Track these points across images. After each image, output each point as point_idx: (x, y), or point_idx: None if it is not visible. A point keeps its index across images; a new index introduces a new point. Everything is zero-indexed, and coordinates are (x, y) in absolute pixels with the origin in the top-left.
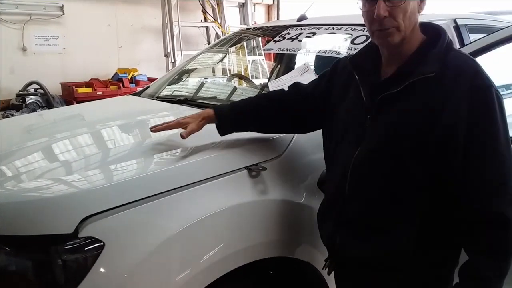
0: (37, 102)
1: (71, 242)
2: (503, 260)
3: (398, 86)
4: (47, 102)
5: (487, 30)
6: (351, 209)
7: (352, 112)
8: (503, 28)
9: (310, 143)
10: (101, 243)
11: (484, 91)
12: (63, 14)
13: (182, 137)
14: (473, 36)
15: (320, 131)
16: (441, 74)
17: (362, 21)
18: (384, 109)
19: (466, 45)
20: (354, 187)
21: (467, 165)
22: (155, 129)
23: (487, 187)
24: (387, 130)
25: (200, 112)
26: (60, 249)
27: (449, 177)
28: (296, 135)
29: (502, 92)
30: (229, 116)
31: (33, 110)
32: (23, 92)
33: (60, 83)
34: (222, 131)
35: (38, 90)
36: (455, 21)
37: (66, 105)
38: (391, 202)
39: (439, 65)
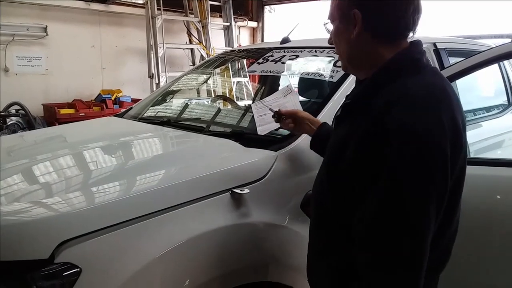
0: (18, 123)
1: (47, 268)
2: None
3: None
4: (28, 123)
5: (466, 54)
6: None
7: None
8: (482, 52)
9: (293, 164)
10: (78, 269)
11: (392, 130)
12: (47, 35)
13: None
14: (452, 60)
15: (305, 151)
16: (360, 103)
17: None
18: (336, 129)
19: (446, 68)
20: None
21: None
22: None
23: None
24: (326, 156)
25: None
26: (35, 275)
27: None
28: (278, 157)
29: (482, 114)
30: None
31: (14, 132)
32: (4, 113)
33: (42, 104)
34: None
35: (19, 111)
36: (435, 44)
37: (48, 126)
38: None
39: (360, 94)
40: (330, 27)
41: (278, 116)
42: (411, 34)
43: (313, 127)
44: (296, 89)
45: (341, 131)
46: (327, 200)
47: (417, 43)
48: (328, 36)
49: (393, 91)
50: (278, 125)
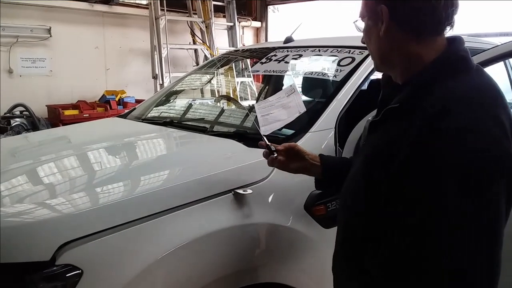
0: (23, 124)
1: (48, 270)
2: None
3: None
4: (33, 124)
5: (472, 52)
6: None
7: None
8: (487, 50)
9: None
10: (79, 271)
11: (439, 138)
12: (51, 36)
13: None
14: None
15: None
16: (406, 107)
17: (347, 43)
18: (370, 135)
19: None
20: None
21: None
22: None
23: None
24: (362, 162)
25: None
26: (36, 277)
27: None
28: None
29: None
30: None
31: (18, 133)
32: (8, 114)
33: (46, 105)
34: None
35: (23, 113)
36: None
37: (52, 127)
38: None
39: (409, 96)
40: (361, 25)
41: (270, 150)
42: (448, 30)
43: (315, 162)
44: (300, 89)
45: (379, 137)
46: (361, 204)
47: (459, 40)
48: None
49: (445, 94)
50: (281, 124)
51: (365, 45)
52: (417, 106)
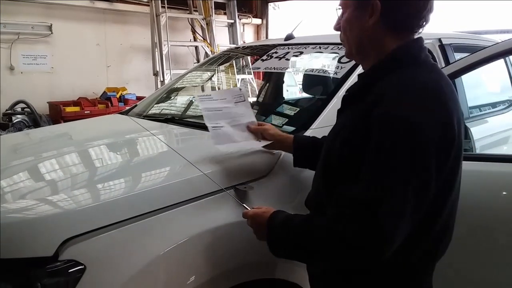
0: (24, 121)
1: (51, 265)
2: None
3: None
4: (34, 121)
5: (472, 49)
6: None
7: None
8: (487, 47)
9: None
10: (82, 266)
11: (376, 119)
12: (52, 33)
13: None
14: (458, 55)
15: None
16: (356, 95)
17: None
18: (336, 120)
19: (451, 63)
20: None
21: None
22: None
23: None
24: (325, 143)
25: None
26: (39, 272)
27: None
28: (283, 153)
29: (488, 110)
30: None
31: (20, 129)
32: (10, 111)
33: (47, 102)
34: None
35: (25, 109)
36: (440, 40)
37: (53, 124)
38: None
39: (359, 85)
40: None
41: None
42: (420, 31)
43: (286, 145)
44: (300, 86)
45: (339, 122)
46: (323, 197)
47: (418, 39)
48: None
49: (386, 85)
50: (238, 148)
51: None
52: (362, 96)
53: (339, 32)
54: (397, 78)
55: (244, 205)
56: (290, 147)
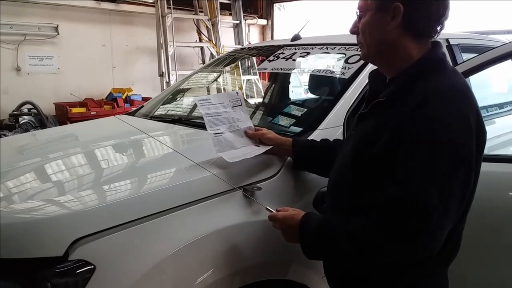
0: (31, 122)
1: (61, 265)
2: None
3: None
4: (41, 122)
5: (480, 50)
6: None
7: None
8: (495, 48)
9: None
10: (92, 266)
11: (420, 120)
12: (58, 34)
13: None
14: (466, 56)
15: None
16: (394, 100)
17: (355, 41)
18: (359, 124)
19: (459, 64)
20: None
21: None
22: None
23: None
24: (352, 146)
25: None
26: (49, 272)
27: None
28: None
29: (495, 111)
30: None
31: (26, 130)
32: (16, 112)
33: (54, 103)
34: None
35: (31, 110)
36: (447, 40)
37: (60, 125)
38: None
39: (395, 91)
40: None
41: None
42: (436, 36)
43: (285, 148)
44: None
45: (367, 125)
46: (348, 179)
47: (439, 44)
48: None
49: (426, 88)
50: (240, 158)
51: None
52: (398, 100)
53: (347, 33)
54: (435, 82)
55: (267, 207)
56: (289, 150)
